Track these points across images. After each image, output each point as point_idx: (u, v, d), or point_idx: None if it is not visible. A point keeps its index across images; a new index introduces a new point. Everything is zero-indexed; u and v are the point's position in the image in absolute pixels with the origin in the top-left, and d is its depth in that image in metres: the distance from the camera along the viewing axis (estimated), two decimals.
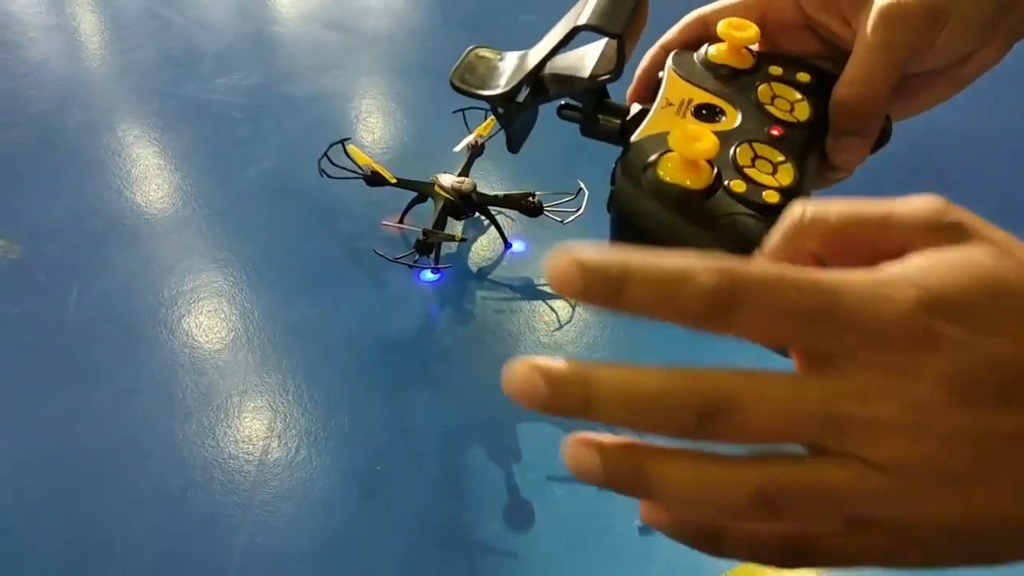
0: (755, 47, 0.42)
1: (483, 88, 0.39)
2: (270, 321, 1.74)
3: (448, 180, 1.75)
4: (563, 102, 0.42)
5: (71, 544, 1.39)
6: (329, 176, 1.79)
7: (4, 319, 1.77)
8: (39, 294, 1.84)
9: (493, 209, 1.83)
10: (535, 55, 0.39)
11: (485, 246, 1.89)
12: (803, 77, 0.40)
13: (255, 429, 1.53)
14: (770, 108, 0.38)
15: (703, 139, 0.33)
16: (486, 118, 1.86)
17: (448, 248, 1.85)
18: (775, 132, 0.37)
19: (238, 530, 1.38)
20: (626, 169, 0.36)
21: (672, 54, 0.41)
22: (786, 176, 0.36)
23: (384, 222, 1.92)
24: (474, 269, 1.84)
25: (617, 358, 1.62)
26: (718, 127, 0.37)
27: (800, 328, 0.22)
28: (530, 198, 1.74)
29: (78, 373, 1.66)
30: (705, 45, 0.41)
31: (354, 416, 1.55)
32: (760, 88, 0.39)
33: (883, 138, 0.43)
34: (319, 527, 1.39)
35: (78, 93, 2.54)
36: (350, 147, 1.80)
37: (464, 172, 1.83)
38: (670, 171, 0.35)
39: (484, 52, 0.41)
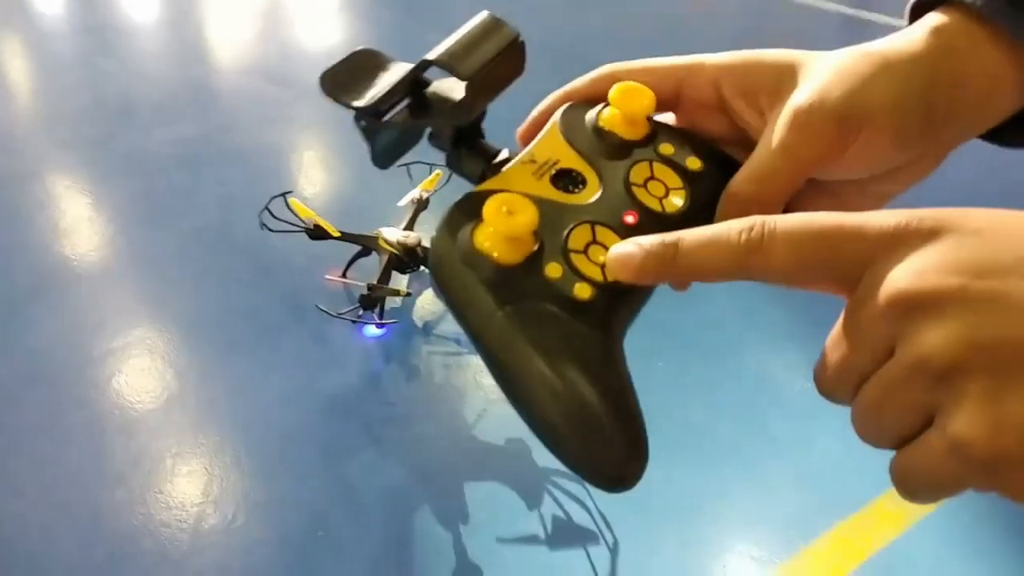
0: (663, 117, 0.38)
1: (351, 96, 0.34)
2: (207, 379, 1.67)
3: (393, 234, 1.74)
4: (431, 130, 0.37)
5: None
6: (271, 230, 1.75)
7: None
8: None
9: None
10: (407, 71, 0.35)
11: (431, 300, 1.87)
12: (694, 163, 0.35)
13: (189, 494, 1.46)
14: (637, 191, 0.34)
15: (520, 212, 0.30)
16: (431, 172, 1.86)
17: (393, 302, 1.83)
18: (629, 219, 0.33)
19: None
20: (448, 223, 0.32)
21: (565, 106, 0.37)
22: None
23: (328, 276, 1.89)
24: (419, 323, 1.82)
25: None
26: (570, 198, 0.33)
27: (824, 255, 0.26)
28: None
29: None
30: (601, 105, 0.36)
31: (295, 479, 1.49)
32: (638, 166, 0.35)
33: None
34: None
35: (3, 142, 2.45)
36: (292, 200, 1.77)
37: (409, 226, 1.82)
38: (484, 239, 0.31)
39: (372, 56, 0.35)
